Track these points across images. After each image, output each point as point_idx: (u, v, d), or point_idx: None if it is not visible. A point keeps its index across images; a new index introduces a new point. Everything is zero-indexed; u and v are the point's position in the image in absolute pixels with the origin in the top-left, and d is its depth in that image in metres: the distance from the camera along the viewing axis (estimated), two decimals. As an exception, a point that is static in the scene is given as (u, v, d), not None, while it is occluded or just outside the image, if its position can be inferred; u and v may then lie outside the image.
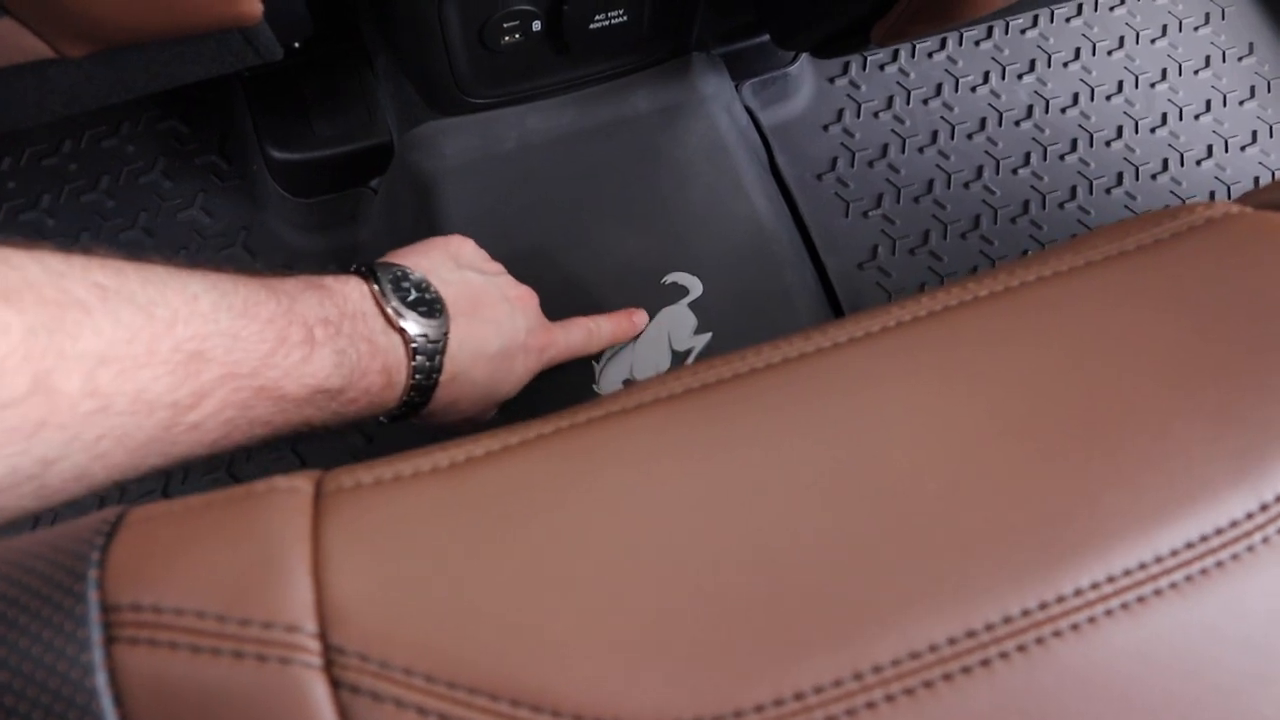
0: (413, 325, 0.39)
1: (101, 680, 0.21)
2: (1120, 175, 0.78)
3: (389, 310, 0.39)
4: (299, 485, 0.25)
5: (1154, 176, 0.78)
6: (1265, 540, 0.23)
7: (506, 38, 0.51)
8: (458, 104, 0.58)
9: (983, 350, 0.27)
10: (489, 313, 0.44)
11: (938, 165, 0.76)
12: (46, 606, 0.22)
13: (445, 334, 0.41)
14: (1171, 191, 0.77)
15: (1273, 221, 0.28)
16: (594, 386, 0.56)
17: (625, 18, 0.53)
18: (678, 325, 0.58)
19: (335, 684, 0.21)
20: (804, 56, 0.75)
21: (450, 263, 0.45)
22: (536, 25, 0.51)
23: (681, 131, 0.61)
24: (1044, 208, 0.76)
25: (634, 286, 0.58)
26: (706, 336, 0.58)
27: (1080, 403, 0.25)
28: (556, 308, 0.53)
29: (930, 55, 0.80)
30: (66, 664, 0.21)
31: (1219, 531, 0.23)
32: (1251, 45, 0.84)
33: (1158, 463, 0.24)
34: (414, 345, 0.39)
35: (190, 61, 0.46)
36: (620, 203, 0.59)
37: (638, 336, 0.57)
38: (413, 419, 0.43)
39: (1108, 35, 0.83)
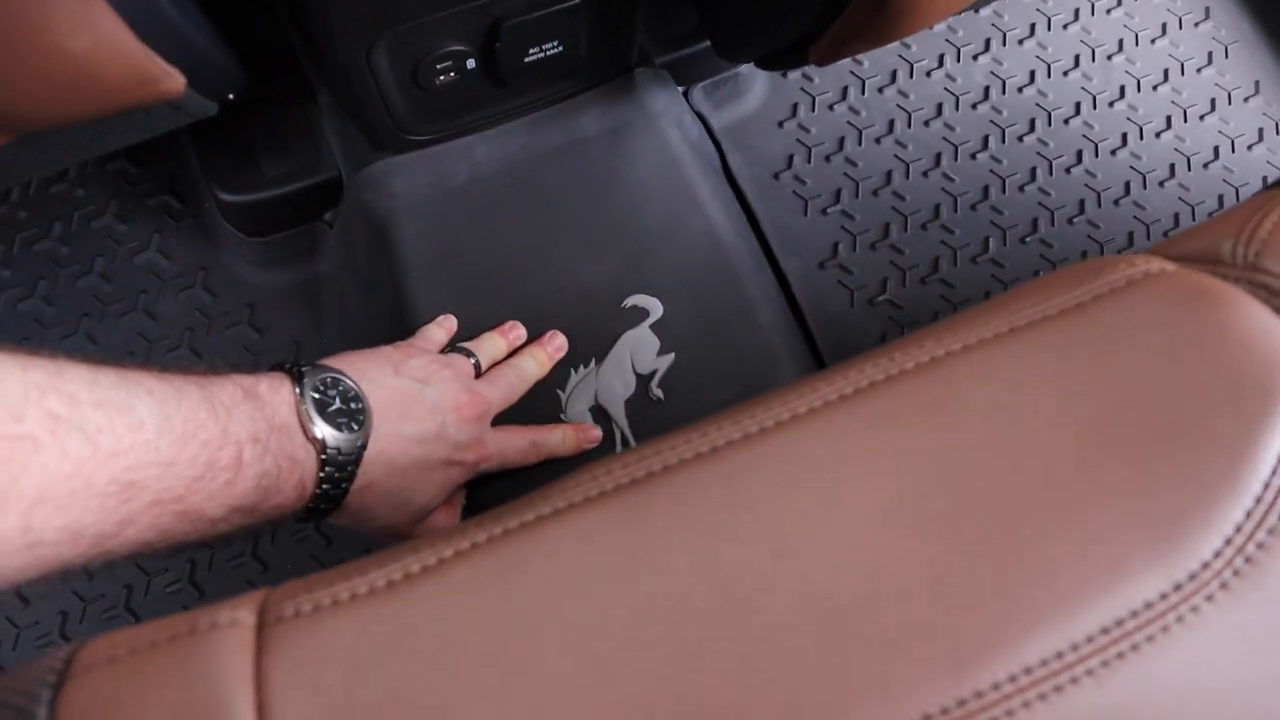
0: (329, 437, 0.40)
1: (53, 842, 0.22)
2: (1080, 153, 0.77)
3: (307, 423, 0.40)
4: (241, 618, 0.25)
5: (1113, 152, 0.78)
6: (1179, 619, 0.24)
7: (441, 77, 0.51)
8: (400, 143, 0.57)
9: (905, 432, 0.27)
10: (413, 423, 0.44)
11: (895, 155, 0.76)
12: (-4, 770, 0.23)
13: (361, 446, 0.41)
14: (1132, 167, 0.77)
15: (1189, 282, 0.29)
16: (560, 415, 0.56)
17: (560, 48, 0.52)
18: (640, 348, 0.58)
19: (280, 834, 0.22)
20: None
21: (389, 369, 0.46)
22: (470, 63, 0.51)
23: (633, 151, 0.61)
24: (1004, 191, 0.76)
25: (594, 312, 0.58)
26: (669, 358, 0.58)
27: (999, 488, 0.26)
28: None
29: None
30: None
31: (1134, 614, 0.24)
32: (1208, 10, 0.84)
33: (1073, 550, 0.25)
34: (324, 457, 0.40)
35: (117, 133, 0.45)
36: (576, 227, 0.59)
37: (601, 360, 0.58)
38: (326, 521, 0.44)
39: (1062, 9, 0.83)
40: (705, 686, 0.23)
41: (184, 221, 0.71)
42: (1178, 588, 0.24)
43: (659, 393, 0.57)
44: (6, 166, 0.43)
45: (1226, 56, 0.82)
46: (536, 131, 0.60)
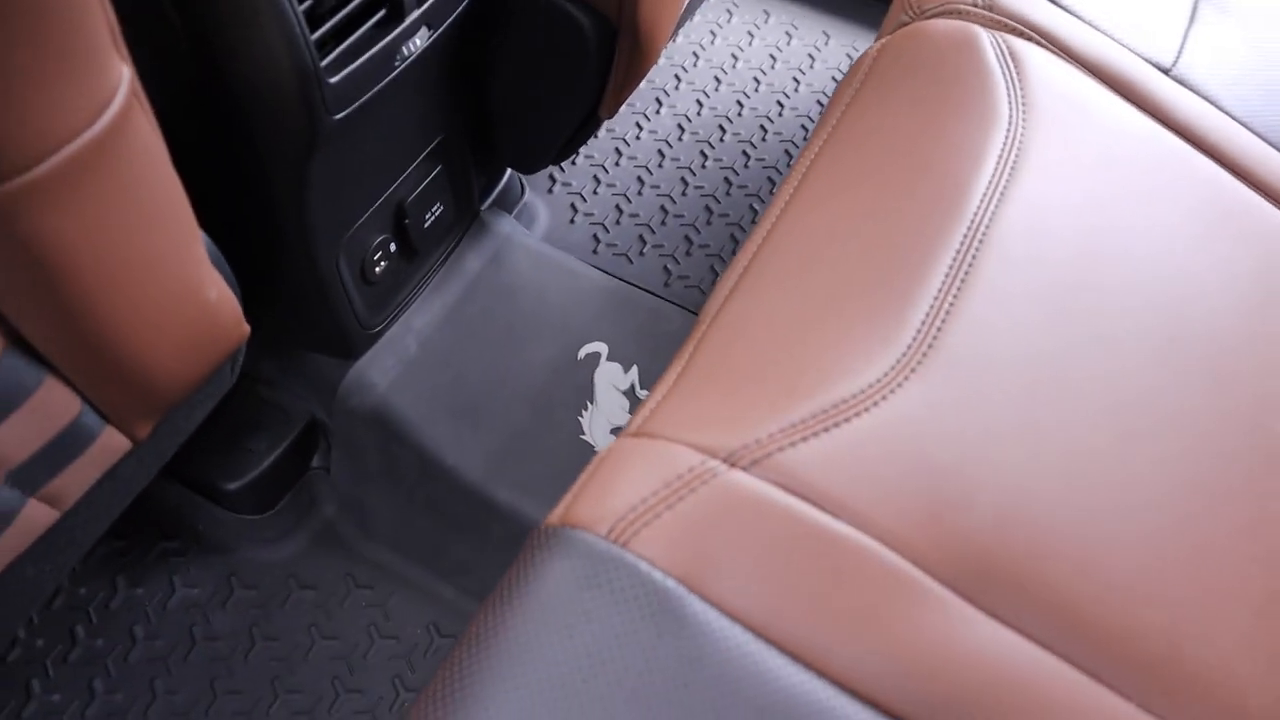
0: None
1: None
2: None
3: None
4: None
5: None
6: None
7: (379, 267, 0.66)
8: (363, 340, 0.71)
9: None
10: None
11: (655, 191, 1.00)
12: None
13: None
14: (762, 126, 1.08)
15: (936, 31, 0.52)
16: (593, 449, 0.71)
17: (442, 207, 0.70)
18: (612, 377, 0.75)
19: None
20: (527, 188, 0.96)
21: None
22: (393, 246, 0.67)
23: (514, 264, 0.79)
24: (729, 186, 1.03)
25: (565, 373, 0.74)
26: (634, 369, 0.75)
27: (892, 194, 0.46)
28: (527, 424, 0.69)
29: (596, 137, 1.04)
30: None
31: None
32: (767, 13, 1.19)
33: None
34: None
35: (197, 405, 0.55)
36: (514, 331, 0.75)
37: (594, 400, 0.73)
38: None
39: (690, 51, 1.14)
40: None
41: (190, 552, 0.77)
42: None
43: (644, 393, 0.74)
44: (136, 469, 0.51)
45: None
46: (441, 289, 0.76)
